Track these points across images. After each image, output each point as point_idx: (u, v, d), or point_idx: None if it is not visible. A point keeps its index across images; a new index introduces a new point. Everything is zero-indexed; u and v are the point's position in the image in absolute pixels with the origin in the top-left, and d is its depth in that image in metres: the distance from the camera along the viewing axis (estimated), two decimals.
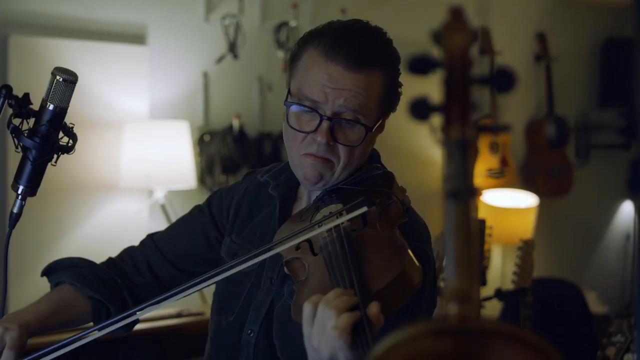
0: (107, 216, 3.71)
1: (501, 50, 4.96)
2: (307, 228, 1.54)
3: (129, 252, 1.96)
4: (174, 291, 1.62)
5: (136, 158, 3.59)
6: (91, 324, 1.84)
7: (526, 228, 4.78)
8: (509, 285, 3.09)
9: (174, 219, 3.75)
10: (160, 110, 3.89)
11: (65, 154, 1.66)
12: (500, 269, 5.12)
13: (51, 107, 1.62)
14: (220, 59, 4.02)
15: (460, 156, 0.76)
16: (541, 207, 5.02)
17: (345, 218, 1.51)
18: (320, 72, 1.61)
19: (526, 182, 5.42)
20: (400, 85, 1.70)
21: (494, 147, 5.13)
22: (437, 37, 0.75)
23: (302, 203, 1.79)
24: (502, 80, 0.75)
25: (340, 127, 1.63)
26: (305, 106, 1.63)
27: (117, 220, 3.72)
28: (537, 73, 5.48)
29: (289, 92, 1.68)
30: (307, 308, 1.34)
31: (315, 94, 1.61)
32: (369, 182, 1.66)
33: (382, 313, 1.31)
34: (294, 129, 1.66)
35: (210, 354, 1.84)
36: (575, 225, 5.85)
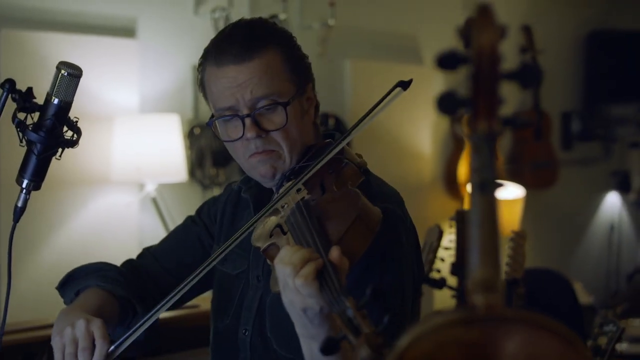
0: (98, 210, 3.70)
1: None
2: (269, 207, 1.61)
3: (129, 263, 1.99)
4: (179, 288, 1.67)
5: (127, 151, 3.59)
6: None
7: (513, 219, 4.82)
8: None
9: (165, 212, 3.78)
10: (151, 104, 3.89)
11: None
12: None
13: (56, 101, 1.63)
14: None
15: (487, 149, 0.79)
16: (527, 199, 5.06)
17: (312, 172, 1.60)
18: (219, 80, 1.69)
19: (512, 174, 5.46)
20: (305, 56, 1.77)
21: None
22: (465, 34, 0.77)
23: None
24: (529, 76, 0.78)
25: (262, 116, 1.68)
26: (225, 116, 1.70)
27: (108, 213, 3.71)
28: None
29: (212, 115, 1.76)
30: (277, 268, 1.39)
31: (226, 101, 1.68)
32: (321, 155, 1.69)
33: (346, 257, 1.36)
34: (227, 141, 1.73)
35: None
36: (561, 217, 5.91)
